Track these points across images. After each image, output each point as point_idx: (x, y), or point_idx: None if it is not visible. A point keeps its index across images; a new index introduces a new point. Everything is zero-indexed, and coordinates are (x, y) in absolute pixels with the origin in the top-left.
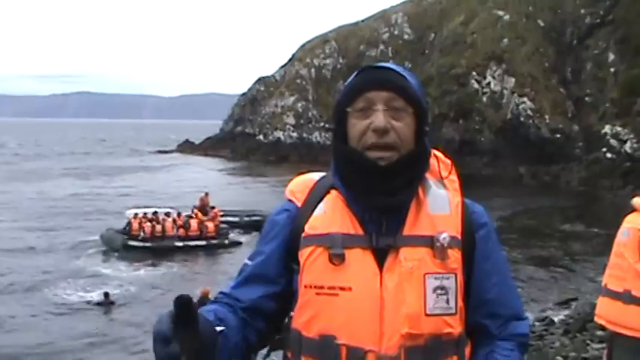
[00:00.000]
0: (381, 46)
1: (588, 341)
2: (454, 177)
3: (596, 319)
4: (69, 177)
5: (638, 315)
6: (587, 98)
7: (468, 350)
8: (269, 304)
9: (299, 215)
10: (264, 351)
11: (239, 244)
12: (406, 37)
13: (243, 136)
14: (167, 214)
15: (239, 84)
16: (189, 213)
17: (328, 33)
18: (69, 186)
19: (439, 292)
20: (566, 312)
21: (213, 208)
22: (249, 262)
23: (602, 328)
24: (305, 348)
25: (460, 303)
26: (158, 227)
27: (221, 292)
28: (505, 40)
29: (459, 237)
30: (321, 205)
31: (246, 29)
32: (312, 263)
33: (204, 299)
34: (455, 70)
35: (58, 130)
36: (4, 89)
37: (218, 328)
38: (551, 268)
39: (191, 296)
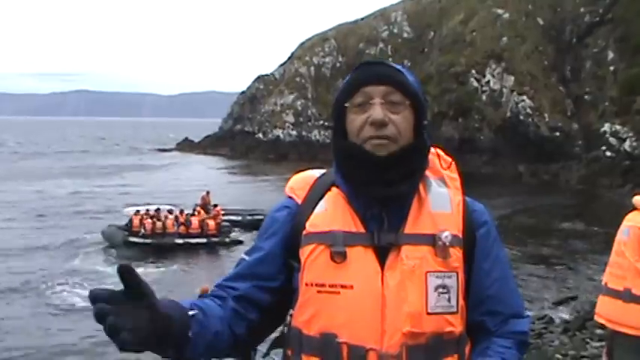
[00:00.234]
0: (381, 45)
1: (588, 339)
2: (455, 175)
3: (596, 317)
4: (68, 175)
5: (639, 313)
6: (586, 97)
7: (468, 349)
8: (263, 295)
9: (299, 212)
10: (263, 349)
11: (240, 242)
12: (406, 35)
13: (243, 134)
14: (170, 212)
15: (238, 82)
16: (190, 212)
17: (328, 31)
18: (68, 185)
19: (441, 290)
20: (566, 310)
21: (215, 206)
22: (247, 257)
23: (602, 326)
24: (306, 346)
25: (461, 302)
26: (159, 224)
27: (216, 285)
28: (504, 39)
29: (461, 235)
30: (322, 203)
31: (246, 27)
32: (314, 261)
33: (203, 296)
34: (454, 69)
35: (57, 128)
36: (3, 87)
37: (190, 312)
38: (550, 266)
39: (131, 265)
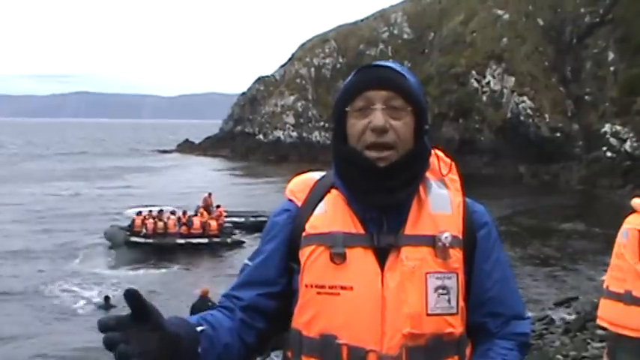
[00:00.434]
0: (381, 46)
1: (589, 340)
2: (455, 176)
3: (598, 321)
4: (68, 178)
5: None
6: (586, 97)
7: (468, 350)
8: (269, 303)
9: (299, 215)
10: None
11: (242, 243)
12: (406, 36)
13: (243, 135)
14: (172, 213)
15: (239, 83)
16: (193, 213)
17: (328, 32)
18: (68, 187)
19: (440, 291)
20: (567, 311)
21: (218, 207)
22: (250, 263)
23: (604, 328)
24: (305, 348)
25: (461, 303)
26: (160, 224)
27: (223, 295)
28: (505, 39)
29: (461, 237)
30: (321, 205)
31: (246, 29)
32: (313, 262)
33: (203, 298)
34: (454, 70)
35: (57, 130)
36: (2, 89)
37: (199, 328)
38: (551, 267)
39: (137, 290)
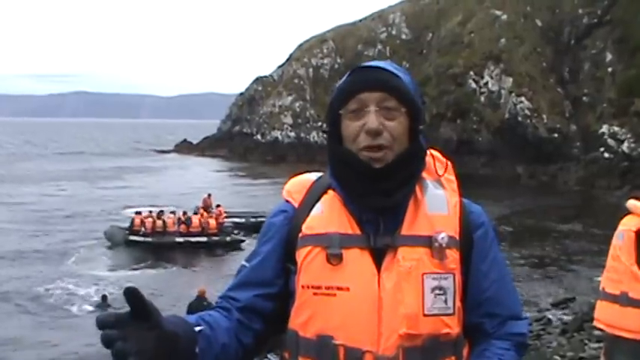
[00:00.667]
0: (379, 46)
1: (586, 341)
2: (452, 177)
3: (595, 323)
4: (67, 178)
5: (636, 317)
6: (584, 98)
7: (465, 351)
8: (266, 304)
9: (296, 216)
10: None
11: (241, 241)
12: (404, 36)
13: (241, 135)
14: (172, 213)
15: (237, 84)
16: (192, 214)
17: (326, 33)
18: (67, 187)
19: (437, 292)
20: (564, 312)
21: (218, 206)
22: (247, 264)
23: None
24: (302, 348)
25: (458, 303)
26: (159, 223)
27: (220, 296)
28: (503, 40)
29: (457, 237)
30: (318, 205)
31: (244, 29)
32: (310, 263)
33: (200, 298)
34: (452, 70)
35: (56, 129)
36: (1, 89)
37: (197, 328)
38: (548, 267)
39: (137, 288)
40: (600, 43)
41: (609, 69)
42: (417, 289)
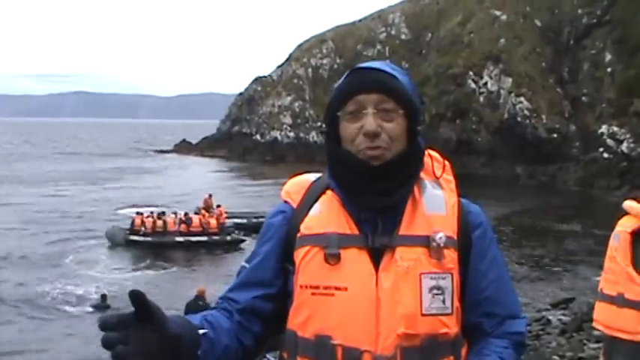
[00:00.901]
0: (378, 46)
1: (585, 341)
2: (450, 177)
3: (594, 324)
4: (66, 178)
5: (632, 318)
6: (584, 98)
7: (464, 351)
8: (266, 305)
9: (294, 216)
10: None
11: (241, 241)
12: (403, 37)
13: (240, 135)
14: (174, 214)
15: (236, 84)
16: (193, 214)
17: (325, 33)
18: (66, 188)
19: (435, 292)
20: (563, 312)
21: (218, 206)
22: (247, 265)
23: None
24: (301, 348)
25: (456, 303)
26: (159, 222)
27: (220, 297)
28: (502, 40)
29: (455, 237)
30: (316, 206)
31: (244, 29)
32: (308, 263)
33: (198, 298)
34: (452, 70)
35: (55, 129)
36: (0, 89)
37: (201, 331)
38: (548, 268)
39: (142, 292)
40: (600, 44)
41: (608, 69)
42: (414, 288)
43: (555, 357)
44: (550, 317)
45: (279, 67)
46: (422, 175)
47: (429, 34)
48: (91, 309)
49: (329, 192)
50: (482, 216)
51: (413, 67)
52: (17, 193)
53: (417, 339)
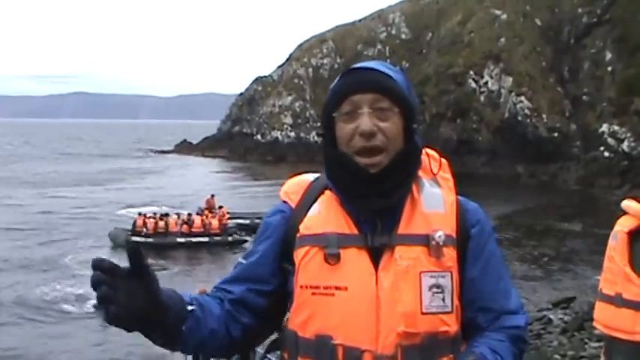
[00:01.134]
0: (379, 46)
1: (586, 340)
2: (447, 175)
3: (594, 324)
4: (66, 180)
5: (630, 318)
6: (584, 97)
7: (464, 349)
8: (258, 299)
9: (293, 216)
10: (261, 351)
11: (244, 242)
12: (403, 36)
13: (241, 136)
14: (177, 215)
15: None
16: (196, 214)
17: (326, 32)
18: (66, 189)
19: (435, 290)
20: (564, 311)
21: (221, 207)
22: (243, 261)
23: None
24: (301, 349)
25: (456, 301)
26: (161, 223)
27: (214, 287)
28: (502, 40)
29: (454, 235)
30: (315, 206)
31: (244, 29)
32: (308, 263)
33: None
34: (452, 70)
35: (55, 130)
36: (0, 90)
37: (189, 307)
38: (549, 267)
39: (140, 248)
40: (600, 42)
41: (609, 68)
42: (414, 287)
43: (557, 356)
44: (551, 316)
45: (279, 67)
46: (420, 173)
47: (429, 34)
48: (92, 309)
49: (328, 192)
50: (479, 213)
51: (413, 67)
52: (17, 194)
53: (417, 337)
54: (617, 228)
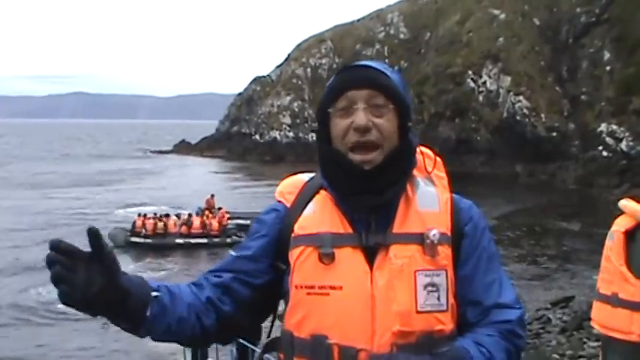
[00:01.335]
0: (377, 46)
1: (585, 339)
2: (442, 173)
3: (591, 323)
4: (65, 180)
5: (626, 318)
6: (583, 97)
7: None
8: (242, 288)
9: (288, 215)
10: (257, 353)
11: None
12: (402, 36)
13: (240, 136)
14: (177, 216)
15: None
16: (195, 214)
17: (324, 32)
18: (65, 189)
19: (430, 288)
20: (563, 310)
21: (220, 209)
22: (234, 254)
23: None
24: (297, 348)
25: (451, 299)
26: (160, 224)
27: (201, 275)
28: (501, 39)
29: (449, 233)
30: (310, 205)
31: (242, 29)
32: (302, 263)
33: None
34: (451, 69)
35: (54, 131)
36: None
37: (153, 293)
38: (547, 266)
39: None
40: (598, 42)
41: (607, 67)
42: (409, 286)
43: (555, 355)
44: (550, 316)
45: (278, 67)
46: (414, 172)
47: (428, 34)
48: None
49: (322, 192)
50: (473, 211)
51: (412, 67)
52: (15, 195)
53: (412, 336)
54: (614, 228)
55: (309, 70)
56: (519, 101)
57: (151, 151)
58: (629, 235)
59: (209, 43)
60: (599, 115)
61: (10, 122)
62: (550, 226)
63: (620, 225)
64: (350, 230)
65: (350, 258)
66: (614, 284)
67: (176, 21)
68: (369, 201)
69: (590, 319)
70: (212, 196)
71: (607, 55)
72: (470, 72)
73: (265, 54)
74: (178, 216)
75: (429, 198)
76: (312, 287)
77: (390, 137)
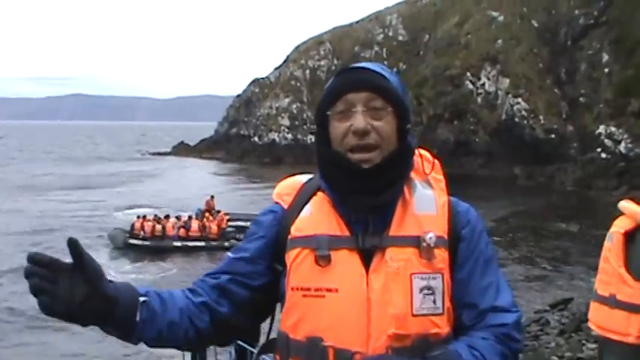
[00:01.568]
0: (376, 48)
1: (584, 341)
2: (440, 176)
3: (589, 324)
4: (64, 182)
5: (623, 319)
6: (581, 99)
7: None
8: (240, 291)
9: (285, 217)
10: (255, 354)
11: None
12: (401, 38)
13: (238, 137)
14: (178, 218)
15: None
16: (194, 216)
17: (323, 34)
18: (64, 191)
19: (426, 292)
20: (562, 312)
21: (218, 212)
22: (231, 255)
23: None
24: (293, 351)
25: (447, 303)
26: (158, 227)
27: (198, 279)
28: (499, 41)
29: (446, 236)
30: (307, 207)
31: (241, 31)
32: (299, 265)
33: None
34: (449, 71)
35: (53, 132)
36: None
37: (141, 298)
38: (546, 268)
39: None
40: (597, 44)
41: (606, 69)
42: (405, 289)
43: (554, 357)
44: (548, 318)
45: (276, 68)
46: (412, 174)
47: (426, 36)
48: None
49: (320, 193)
50: (471, 214)
51: (410, 69)
52: (14, 197)
53: (407, 339)
54: (613, 229)
55: (307, 71)
56: (518, 103)
57: (150, 153)
58: (629, 236)
59: (208, 45)
60: (598, 117)
61: (8, 124)
62: (549, 228)
63: (620, 226)
64: (347, 232)
65: (346, 260)
66: (612, 285)
67: (175, 23)
68: (368, 201)
69: (588, 321)
70: (212, 197)
71: (605, 57)
72: (468, 74)
73: (264, 56)
74: (178, 217)
75: (426, 201)
76: (308, 289)
77: (388, 140)
